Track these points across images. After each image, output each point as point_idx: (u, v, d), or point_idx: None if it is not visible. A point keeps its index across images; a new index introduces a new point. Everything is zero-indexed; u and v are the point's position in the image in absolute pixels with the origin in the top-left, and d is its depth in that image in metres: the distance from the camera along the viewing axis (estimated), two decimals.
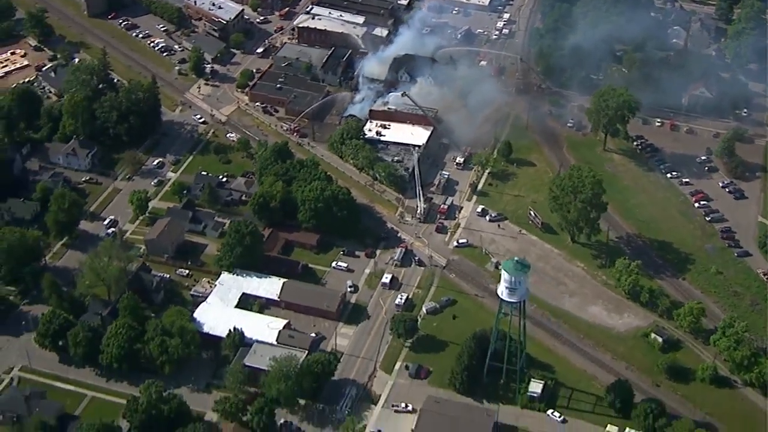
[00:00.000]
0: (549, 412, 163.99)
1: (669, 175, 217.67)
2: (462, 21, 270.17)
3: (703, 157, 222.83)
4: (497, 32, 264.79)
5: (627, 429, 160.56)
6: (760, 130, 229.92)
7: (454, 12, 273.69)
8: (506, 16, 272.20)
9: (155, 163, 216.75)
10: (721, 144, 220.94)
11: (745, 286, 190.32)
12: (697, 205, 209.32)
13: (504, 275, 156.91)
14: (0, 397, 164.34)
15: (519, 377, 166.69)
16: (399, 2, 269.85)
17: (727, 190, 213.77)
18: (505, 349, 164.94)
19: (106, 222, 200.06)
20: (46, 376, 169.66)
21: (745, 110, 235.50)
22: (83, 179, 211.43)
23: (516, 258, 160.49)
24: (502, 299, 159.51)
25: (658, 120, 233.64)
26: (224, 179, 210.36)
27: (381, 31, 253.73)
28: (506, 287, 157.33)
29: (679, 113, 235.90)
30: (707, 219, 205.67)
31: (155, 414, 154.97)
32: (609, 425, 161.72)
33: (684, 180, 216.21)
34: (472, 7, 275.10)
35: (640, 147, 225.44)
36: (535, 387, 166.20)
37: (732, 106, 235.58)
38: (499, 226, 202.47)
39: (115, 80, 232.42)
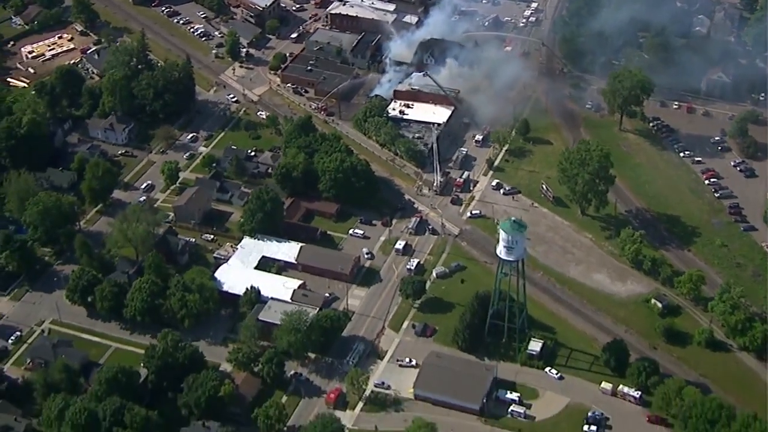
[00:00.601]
0: (547, 369, 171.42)
1: (682, 154, 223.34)
2: (491, 10, 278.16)
3: (717, 138, 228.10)
4: (524, 20, 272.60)
5: (621, 386, 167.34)
6: None
7: (483, 2, 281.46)
8: (534, 5, 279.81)
9: (189, 137, 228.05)
10: (734, 124, 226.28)
11: (749, 258, 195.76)
12: (707, 182, 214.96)
13: (502, 235, 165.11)
14: (31, 346, 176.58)
15: (519, 336, 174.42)
16: None
17: (738, 168, 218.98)
18: (506, 309, 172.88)
19: (143, 186, 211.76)
20: (74, 328, 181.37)
21: (762, 95, 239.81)
22: (119, 152, 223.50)
23: (513, 218, 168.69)
24: (500, 258, 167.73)
25: (676, 103, 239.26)
26: (252, 153, 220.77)
27: (411, 18, 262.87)
28: (504, 246, 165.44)
29: (697, 97, 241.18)
30: (716, 195, 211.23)
31: (171, 361, 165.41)
32: (603, 382, 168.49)
33: (696, 159, 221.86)
34: None
35: (655, 128, 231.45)
36: (535, 345, 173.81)
37: (749, 91, 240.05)
38: (513, 198, 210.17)
39: (154, 61, 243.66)
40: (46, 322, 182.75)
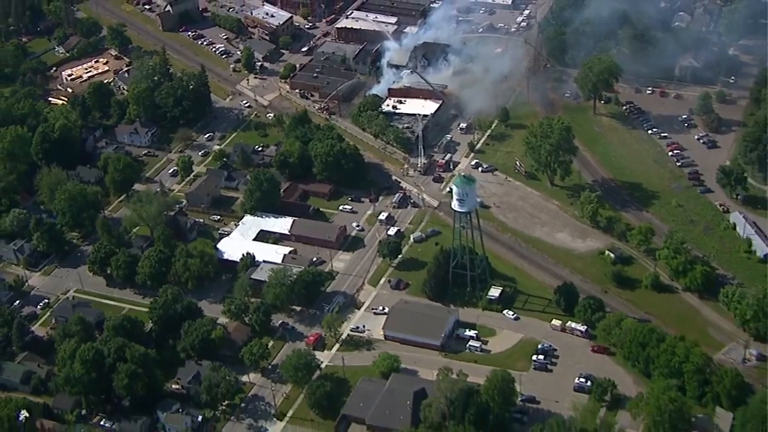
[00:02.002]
0: (505, 311, 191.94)
1: (650, 132, 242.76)
2: (486, 18, 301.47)
3: (684, 116, 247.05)
4: (516, 25, 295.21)
5: (569, 322, 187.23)
6: (744, 94, 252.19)
7: (480, 12, 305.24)
8: (526, 12, 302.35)
9: (205, 138, 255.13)
10: (699, 102, 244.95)
11: (702, 216, 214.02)
12: (670, 153, 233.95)
13: (454, 189, 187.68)
14: (54, 307, 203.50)
15: (479, 281, 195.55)
16: (431, 4, 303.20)
17: (701, 141, 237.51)
18: (467, 259, 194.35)
19: (170, 171, 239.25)
20: (95, 295, 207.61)
21: (733, 78, 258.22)
22: (143, 153, 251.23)
23: (463, 173, 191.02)
24: (455, 211, 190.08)
25: (650, 88, 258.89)
26: (260, 148, 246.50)
27: (411, 29, 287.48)
28: (457, 199, 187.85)
29: (670, 82, 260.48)
30: (678, 164, 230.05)
31: (171, 312, 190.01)
32: (554, 320, 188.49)
33: (663, 135, 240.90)
34: (497, 6, 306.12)
35: (628, 111, 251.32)
36: (494, 292, 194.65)
37: (720, 74, 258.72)
38: (493, 173, 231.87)
39: (175, 74, 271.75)
40: (71, 291, 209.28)
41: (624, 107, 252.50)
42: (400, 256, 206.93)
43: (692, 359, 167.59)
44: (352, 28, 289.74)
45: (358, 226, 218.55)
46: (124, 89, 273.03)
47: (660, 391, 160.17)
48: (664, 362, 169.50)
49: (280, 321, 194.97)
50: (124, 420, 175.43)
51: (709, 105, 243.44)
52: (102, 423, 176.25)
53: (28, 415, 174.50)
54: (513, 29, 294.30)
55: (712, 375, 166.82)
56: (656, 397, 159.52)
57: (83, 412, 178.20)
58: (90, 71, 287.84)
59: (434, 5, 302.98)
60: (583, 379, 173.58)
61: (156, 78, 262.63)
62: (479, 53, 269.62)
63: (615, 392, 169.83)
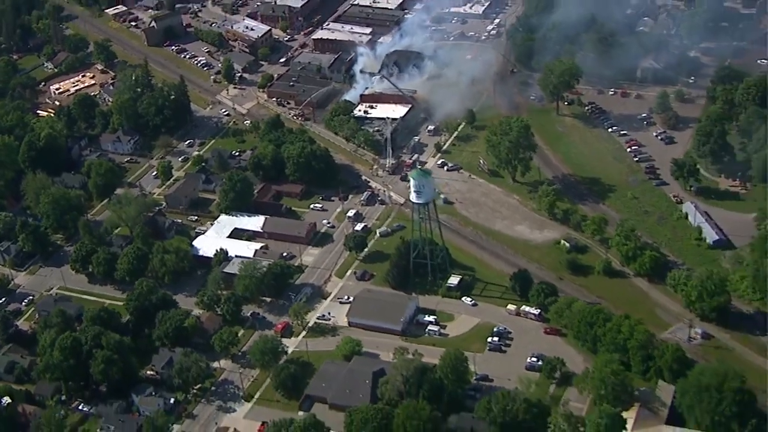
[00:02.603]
0: (463, 298, 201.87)
1: (610, 130, 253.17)
2: (458, 27, 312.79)
3: (644, 115, 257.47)
4: (486, 33, 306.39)
5: (523, 306, 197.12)
6: (703, 93, 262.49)
7: (453, 21, 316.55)
8: (496, 21, 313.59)
9: (185, 144, 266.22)
10: (657, 101, 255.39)
11: (657, 207, 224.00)
12: (629, 150, 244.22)
13: (412, 182, 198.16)
14: (37, 302, 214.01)
15: (439, 270, 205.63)
16: (405, 15, 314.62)
17: (659, 138, 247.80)
18: (427, 249, 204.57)
19: (154, 175, 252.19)
20: (77, 291, 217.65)
21: (693, 78, 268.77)
22: (126, 160, 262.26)
23: (419, 167, 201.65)
24: (413, 202, 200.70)
25: (612, 90, 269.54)
26: (236, 153, 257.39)
27: (385, 39, 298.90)
28: (414, 191, 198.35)
29: (632, 83, 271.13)
30: (636, 160, 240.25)
31: (146, 303, 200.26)
32: (509, 305, 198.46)
33: (623, 133, 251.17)
34: (469, 16, 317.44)
35: (590, 111, 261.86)
36: (453, 280, 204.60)
37: (680, 75, 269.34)
38: (458, 172, 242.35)
39: (156, 85, 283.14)
40: (54, 288, 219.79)
41: (586, 108, 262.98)
42: (366, 249, 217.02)
43: (636, 336, 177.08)
44: (328, 38, 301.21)
45: (328, 223, 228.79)
46: (108, 101, 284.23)
47: (603, 365, 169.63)
48: (610, 340, 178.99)
49: (251, 311, 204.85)
50: (101, 404, 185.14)
51: (667, 103, 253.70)
52: (80, 407, 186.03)
53: (10, 400, 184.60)
54: (483, 37, 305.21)
55: (655, 350, 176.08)
56: (600, 371, 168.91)
57: (63, 397, 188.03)
58: (77, 85, 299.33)
59: (408, 16, 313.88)
60: (534, 359, 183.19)
61: (139, 89, 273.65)
62: (449, 60, 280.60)
63: (564, 370, 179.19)
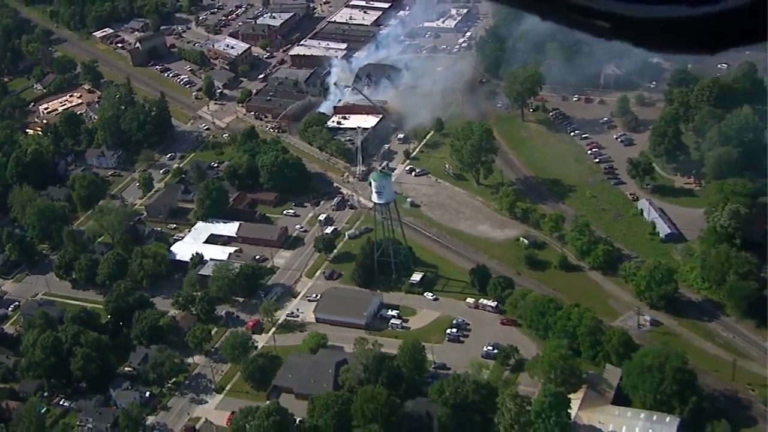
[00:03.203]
0: (425, 294, 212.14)
1: (573, 134, 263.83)
2: (432, 41, 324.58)
3: (605, 119, 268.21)
4: (458, 46, 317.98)
5: (481, 299, 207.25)
6: (662, 96, 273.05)
7: (426, 35, 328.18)
8: (468, 34, 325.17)
9: (167, 157, 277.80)
10: (618, 105, 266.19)
11: (613, 204, 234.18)
12: (589, 152, 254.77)
13: (373, 183, 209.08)
14: (22, 307, 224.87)
15: (403, 268, 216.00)
16: (380, 31, 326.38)
17: (619, 140, 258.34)
18: (391, 248, 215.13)
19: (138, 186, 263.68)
20: (61, 296, 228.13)
21: (653, 83, 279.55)
22: (110, 173, 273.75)
23: (380, 169, 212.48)
24: (375, 202, 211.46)
25: (576, 96, 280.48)
26: (215, 164, 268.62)
27: (360, 54, 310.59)
28: (375, 192, 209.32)
29: (596, 90, 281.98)
30: (596, 161, 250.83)
31: (124, 304, 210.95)
32: (468, 298, 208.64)
33: (584, 136, 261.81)
34: (442, 30, 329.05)
35: (554, 117, 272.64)
36: (416, 276, 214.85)
37: (641, 80, 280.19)
38: (426, 177, 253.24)
39: (139, 102, 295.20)
40: (39, 294, 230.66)
41: (551, 113, 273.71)
42: (335, 251, 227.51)
43: (584, 323, 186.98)
44: (304, 54, 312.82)
45: (300, 227, 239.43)
46: (94, 118, 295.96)
47: (552, 350, 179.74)
48: (560, 327, 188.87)
49: (225, 311, 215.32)
50: (81, 399, 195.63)
51: (627, 107, 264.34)
52: (62, 402, 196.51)
53: None
54: (455, 50, 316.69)
55: (602, 336, 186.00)
56: (549, 355, 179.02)
57: (45, 393, 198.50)
58: (65, 104, 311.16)
59: (383, 31, 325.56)
60: (490, 347, 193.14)
61: (123, 107, 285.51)
62: (421, 72, 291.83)
63: (519, 357, 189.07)
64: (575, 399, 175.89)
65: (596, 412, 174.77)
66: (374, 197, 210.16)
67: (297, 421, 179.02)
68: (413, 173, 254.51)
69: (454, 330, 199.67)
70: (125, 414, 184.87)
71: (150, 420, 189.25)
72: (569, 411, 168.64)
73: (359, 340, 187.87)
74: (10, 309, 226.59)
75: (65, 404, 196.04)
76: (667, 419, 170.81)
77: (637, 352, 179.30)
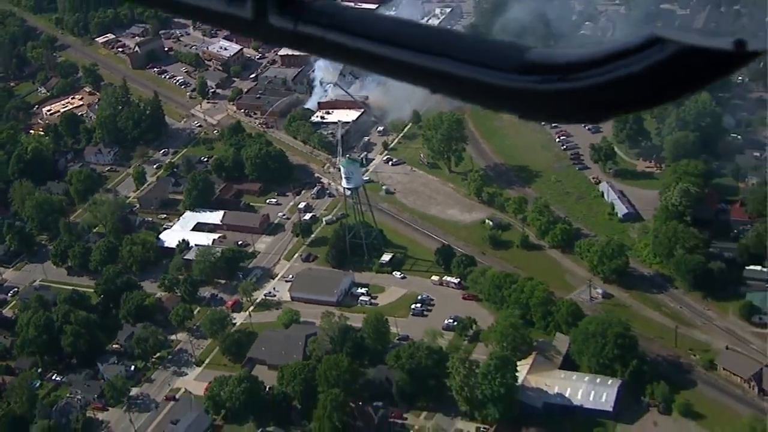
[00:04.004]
0: (394, 273, 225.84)
1: (543, 123, 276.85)
2: None
3: None
4: None
5: (446, 276, 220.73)
6: None
7: None
8: None
9: (161, 153, 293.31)
10: None
11: (577, 188, 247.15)
12: (558, 140, 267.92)
13: (342, 169, 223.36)
14: (20, 292, 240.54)
15: (374, 250, 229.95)
16: None
17: (587, 128, 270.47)
18: (362, 231, 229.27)
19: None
20: (57, 282, 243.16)
21: None
22: (107, 169, 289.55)
23: (349, 156, 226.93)
24: (344, 187, 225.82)
25: None
26: (205, 159, 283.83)
27: None
28: (345, 177, 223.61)
29: None
30: (563, 148, 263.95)
31: (113, 287, 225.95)
32: (433, 276, 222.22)
33: (554, 125, 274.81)
34: None
35: None
36: (386, 257, 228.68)
37: None
38: (402, 166, 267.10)
39: (134, 101, 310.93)
40: (37, 281, 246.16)
41: None
42: (312, 235, 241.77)
43: (536, 295, 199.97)
44: (293, 54, 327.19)
45: (282, 214, 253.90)
46: (93, 118, 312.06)
47: (503, 319, 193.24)
48: (514, 299, 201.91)
49: (210, 293, 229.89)
50: (71, 373, 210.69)
51: None
52: (54, 377, 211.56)
53: None
54: None
55: (553, 307, 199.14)
56: (501, 324, 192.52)
57: (39, 369, 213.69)
58: (67, 106, 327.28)
59: None
60: (451, 320, 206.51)
61: (119, 106, 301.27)
62: None
63: (477, 328, 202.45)
64: (525, 364, 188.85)
65: (543, 376, 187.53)
66: (343, 182, 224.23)
67: (267, 389, 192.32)
68: (390, 163, 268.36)
69: (419, 305, 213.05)
70: (110, 385, 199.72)
71: (134, 391, 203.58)
72: (516, 374, 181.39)
73: (326, 314, 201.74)
74: (9, 294, 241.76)
75: (57, 379, 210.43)
76: (609, 381, 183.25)
77: (583, 320, 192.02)
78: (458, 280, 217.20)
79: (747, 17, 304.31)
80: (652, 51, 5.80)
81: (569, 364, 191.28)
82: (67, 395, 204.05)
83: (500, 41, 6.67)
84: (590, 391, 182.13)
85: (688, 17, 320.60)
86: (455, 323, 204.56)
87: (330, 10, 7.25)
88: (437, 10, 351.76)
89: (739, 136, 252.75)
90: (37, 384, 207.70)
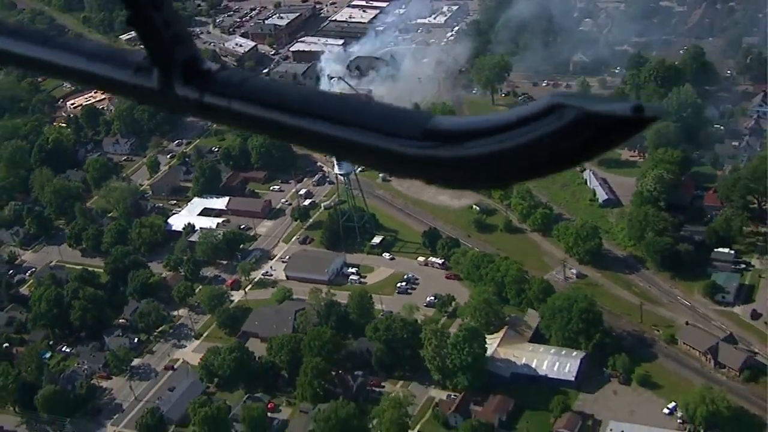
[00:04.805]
0: (384, 254, 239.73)
1: None
2: (423, 36, 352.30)
3: None
4: (445, 40, 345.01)
5: (431, 257, 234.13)
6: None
7: (418, 31, 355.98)
8: (456, 28, 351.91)
9: (174, 143, 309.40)
10: (577, 88, 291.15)
11: (562, 175, 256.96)
12: None
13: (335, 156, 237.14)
14: (36, 271, 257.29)
15: (366, 232, 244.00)
16: (377, 28, 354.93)
17: None
18: (355, 214, 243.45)
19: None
20: (71, 263, 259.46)
21: (618, 68, 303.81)
22: (123, 158, 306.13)
23: None
24: (336, 173, 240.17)
25: (545, 81, 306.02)
26: (216, 148, 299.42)
27: (354, 48, 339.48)
28: (336, 163, 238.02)
29: (565, 76, 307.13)
30: None
31: (121, 266, 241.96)
32: (419, 257, 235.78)
33: None
34: (433, 26, 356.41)
35: (522, 101, 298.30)
36: (376, 239, 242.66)
37: (608, 66, 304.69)
38: None
39: None
40: (53, 261, 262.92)
41: (519, 98, 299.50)
42: (310, 219, 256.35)
43: (510, 273, 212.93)
44: (304, 50, 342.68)
45: (285, 200, 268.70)
46: (112, 111, 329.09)
47: (477, 295, 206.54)
48: (490, 278, 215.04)
49: (212, 273, 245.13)
50: (79, 345, 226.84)
51: (587, 90, 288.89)
52: (64, 349, 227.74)
53: (7, 344, 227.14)
54: (442, 43, 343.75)
55: (526, 284, 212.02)
56: (475, 300, 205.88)
57: (51, 342, 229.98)
58: (89, 100, 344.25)
59: (378, 28, 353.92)
60: (432, 298, 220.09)
61: None
62: (406, 63, 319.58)
63: (456, 305, 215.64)
64: (496, 338, 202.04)
65: (513, 349, 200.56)
66: (335, 168, 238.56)
67: (257, 359, 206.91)
68: None
69: (404, 284, 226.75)
70: (113, 356, 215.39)
71: (136, 361, 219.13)
72: (484, 345, 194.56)
73: (313, 290, 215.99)
74: (27, 274, 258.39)
75: (66, 350, 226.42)
76: (573, 353, 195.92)
77: (551, 297, 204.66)
78: (442, 261, 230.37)
79: (740, 13, 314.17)
80: (551, 118, 5.82)
81: (538, 337, 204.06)
82: (75, 365, 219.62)
83: (404, 109, 6.75)
84: (555, 362, 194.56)
85: (685, 14, 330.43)
86: (436, 300, 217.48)
87: (236, 79, 7.34)
88: (444, 8, 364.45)
89: (721, 127, 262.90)
90: (48, 355, 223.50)
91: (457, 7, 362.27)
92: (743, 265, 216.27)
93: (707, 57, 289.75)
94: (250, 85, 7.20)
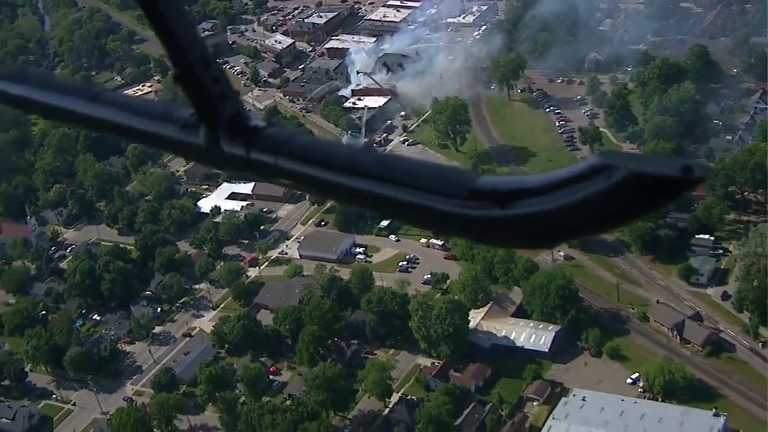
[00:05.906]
0: (390, 236, 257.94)
1: (548, 110, 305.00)
2: (450, 35, 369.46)
3: (579, 97, 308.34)
4: (472, 38, 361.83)
5: (432, 239, 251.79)
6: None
7: (448, 30, 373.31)
8: (483, 28, 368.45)
9: None
10: (588, 84, 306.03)
11: (563, 165, 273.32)
12: (557, 124, 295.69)
13: (344, 142, 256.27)
14: (75, 248, 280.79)
15: (372, 215, 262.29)
16: (408, 27, 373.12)
17: (586, 114, 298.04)
18: None
19: None
20: (108, 241, 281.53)
21: (630, 66, 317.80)
22: None
23: (350, 131, 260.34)
24: None
25: (560, 78, 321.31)
26: None
27: (384, 46, 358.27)
28: None
29: (579, 73, 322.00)
30: (560, 132, 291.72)
31: (149, 243, 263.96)
32: (422, 239, 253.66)
33: (558, 111, 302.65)
34: (461, 25, 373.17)
35: (537, 96, 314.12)
36: (384, 222, 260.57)
37: (621, 64, 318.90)
38: (418, 146, 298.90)
39: None
40: (92, 239, 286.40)
41: (534, 93, 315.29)
42: (327, 204, 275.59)
43: (499, 252, 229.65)
44: (337, 47, 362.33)
45: None
46: None
47: (466, 272, 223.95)
48: (482, 257, 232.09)
49: (235, 252, 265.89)
50: (108, 314, 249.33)
51: (597, 86, 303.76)
52: (94, 317, 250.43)
53: (44, 312, 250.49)
54: (469, 41, 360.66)
55: (512, 264, 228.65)
56: (464, 276, 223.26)
57: (84, 311, 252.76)
58: (137, 92, 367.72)
59: (410, 27, 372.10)
60: (429, 276, 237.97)
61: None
62: (431, 60, 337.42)
63: (450, 282, 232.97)
64: (481, 312, 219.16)
65: (495, 322, 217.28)
66: None
67: (264, 327, 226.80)
68: (406, 143, 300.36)
69: (405, 263, 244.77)
70: (137, 323, 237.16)
71: (157, 329, 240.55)
72: (467, 317, 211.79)
73: (318, 266, 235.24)
74: (68, 251, 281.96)
75: (96, 318, 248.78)
76: (549, 327, 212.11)
77: (533, 275, 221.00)
78: (442, 242, 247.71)
79: (752, 14, 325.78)
80: (599, 178, 5.76)
81: (521, 313, 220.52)
82: (103, 331, 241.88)
83: (451, 168, 6.77)
84: (531, 335, 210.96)
85: (702, 15, 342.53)
86: (431, 278, 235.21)
87: (282, 136, 7.58)
88: (474, 8, 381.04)
89: (720, 122, 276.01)
90: (80, 323, 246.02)
91: (486, 6, 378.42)
92: (721, 251, 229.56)
93: (716, 56, 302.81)
94: (296, 142, 7.46)
